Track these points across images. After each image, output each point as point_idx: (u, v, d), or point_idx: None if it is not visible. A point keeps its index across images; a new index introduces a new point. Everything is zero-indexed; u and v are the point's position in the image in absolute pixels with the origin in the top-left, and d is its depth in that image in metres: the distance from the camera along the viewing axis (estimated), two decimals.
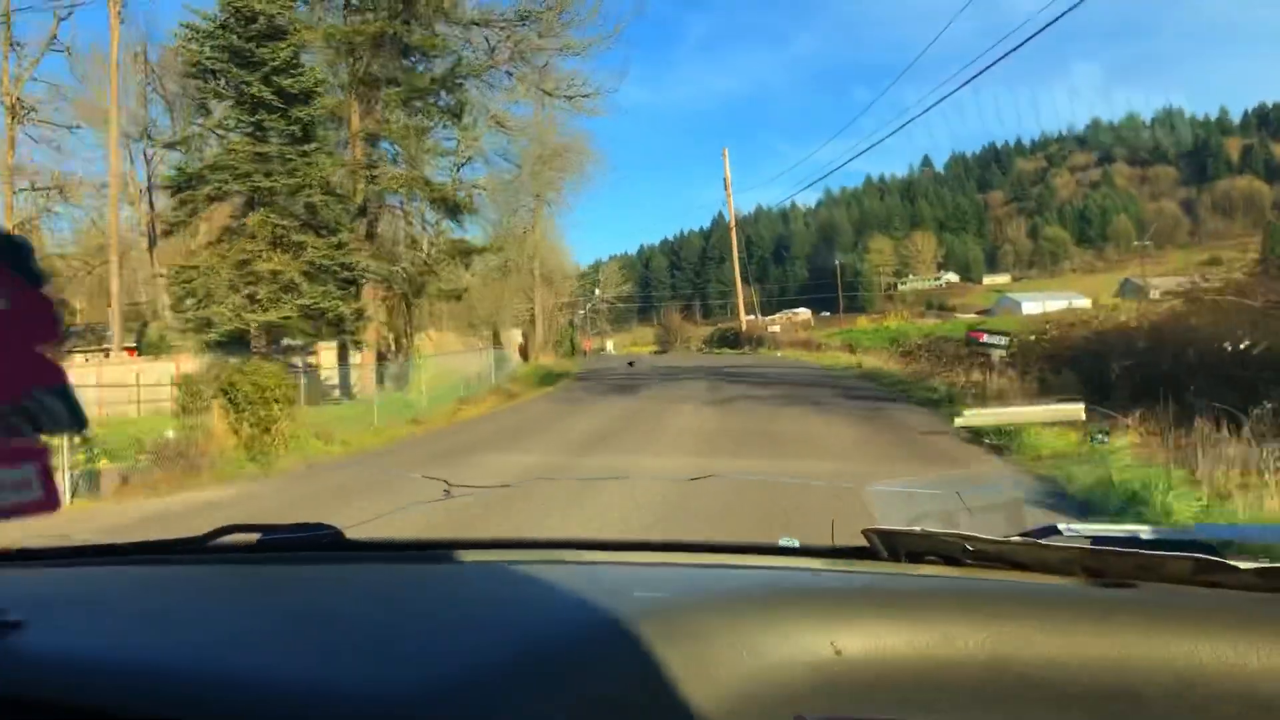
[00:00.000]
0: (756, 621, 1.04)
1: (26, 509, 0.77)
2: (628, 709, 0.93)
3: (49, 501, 0.78)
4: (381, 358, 26.26)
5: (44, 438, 0.79)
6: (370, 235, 27.11)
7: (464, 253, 29.17)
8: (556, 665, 0.93)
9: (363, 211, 26.75)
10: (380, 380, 23.90)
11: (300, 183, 22.61)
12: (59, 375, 0.79)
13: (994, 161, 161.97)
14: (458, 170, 30.19)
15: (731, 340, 54.40)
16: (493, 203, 35.78)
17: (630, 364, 40.26)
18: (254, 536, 1.45)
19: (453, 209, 28.10)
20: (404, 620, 1.03)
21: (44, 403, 0.80)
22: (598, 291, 76.97)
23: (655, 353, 62.97)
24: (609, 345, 73.53)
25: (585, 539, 1.44)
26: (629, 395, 21.94)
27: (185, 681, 0.85)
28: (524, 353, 43.90)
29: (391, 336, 28.48)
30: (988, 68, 37.54)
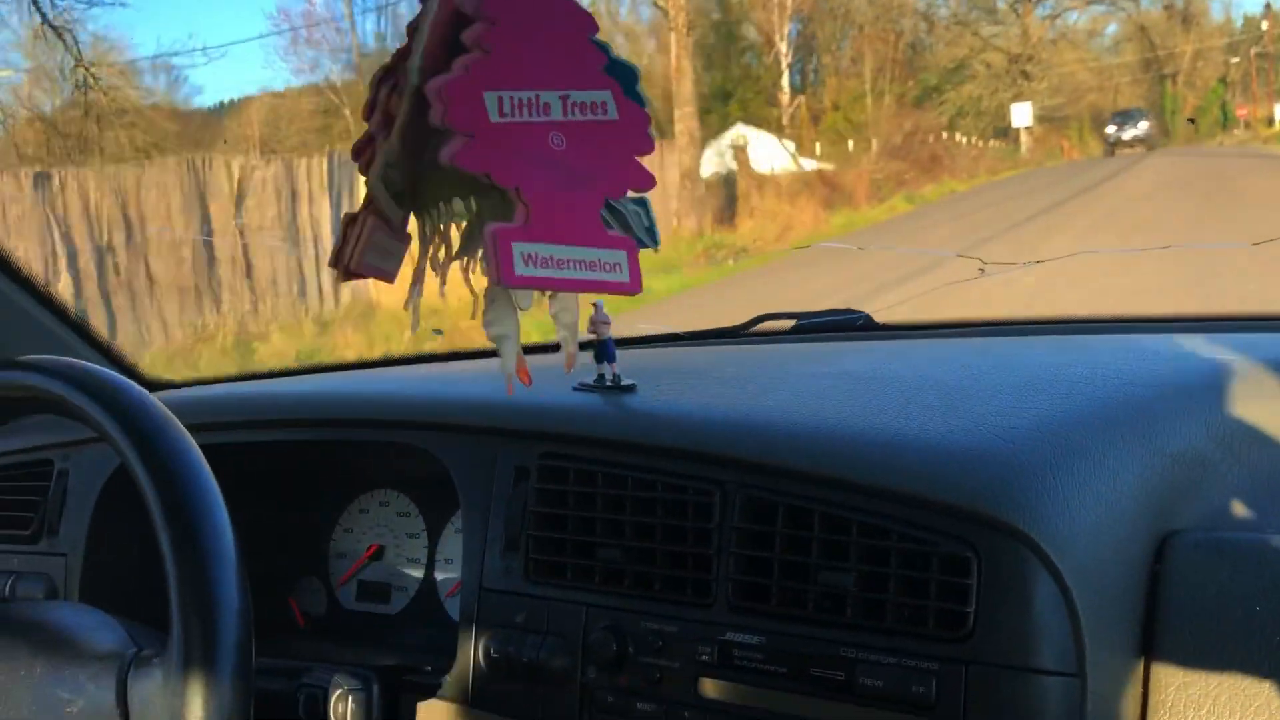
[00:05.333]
0: None
1: (615, 288, 0.89)
2: (1204, 463, 0.91)
3: (633, 285, 0.89)
4: None
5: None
6: None
7: None
8: (1127, 421, 0.92)
9: None
10: None
11: None
12: (649, 182, 0.90)
13: None
14: None
15: None
16: None
17: None
18: (789, 322, 1.56)
19: None
20: (954, 384, 1.06)
21: (633, 208, 0.93)
22: (1264, 26, 43.72)
23: None
24: None
25: (1128, 314, 1.38)
26: None
27: (766, 428, 0.96)
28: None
29: None
30: None
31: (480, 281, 0.93)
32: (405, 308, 0.96)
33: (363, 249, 0.92)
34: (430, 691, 1.06)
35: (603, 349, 1.08)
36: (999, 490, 0.81)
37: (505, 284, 0.85)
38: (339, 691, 0.93)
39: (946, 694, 0.80)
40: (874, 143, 24.51)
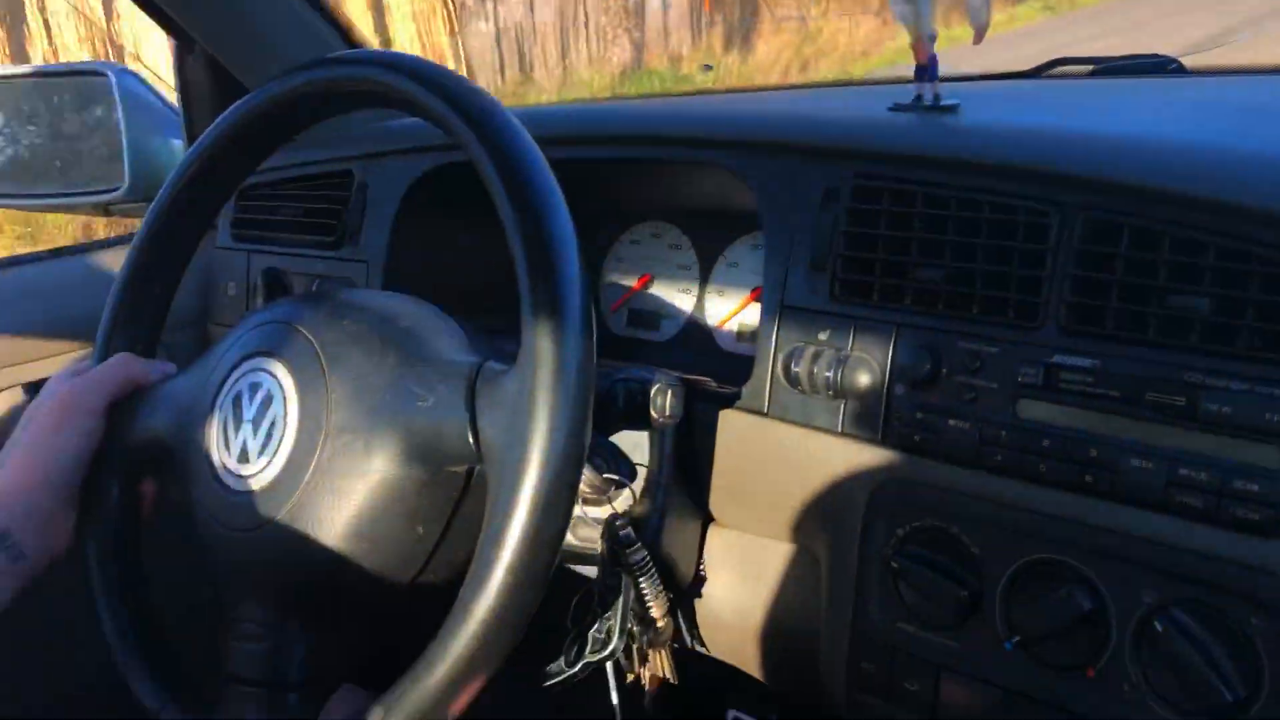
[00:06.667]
0: None
1: None
2: None
3: None
4: None
5: None
6: None
7: None
8: None
9: None
10: None
11: None
12: None
13: None
14: None
15: None
16: None
17: None
18: (1088, 68, 1.45)
19: None
20: None
21: None
22: None
23: None
24: None
25: None
26: None
27: (1111, 145, 0.92)
28: None
29: None
30: None
31: None
32: None
33: None
34: (728, 401, 1.09)
35: (924, 67, 1.03)
36: None
37: None
38: (658, 385, 0.97)
39: None
40: None
